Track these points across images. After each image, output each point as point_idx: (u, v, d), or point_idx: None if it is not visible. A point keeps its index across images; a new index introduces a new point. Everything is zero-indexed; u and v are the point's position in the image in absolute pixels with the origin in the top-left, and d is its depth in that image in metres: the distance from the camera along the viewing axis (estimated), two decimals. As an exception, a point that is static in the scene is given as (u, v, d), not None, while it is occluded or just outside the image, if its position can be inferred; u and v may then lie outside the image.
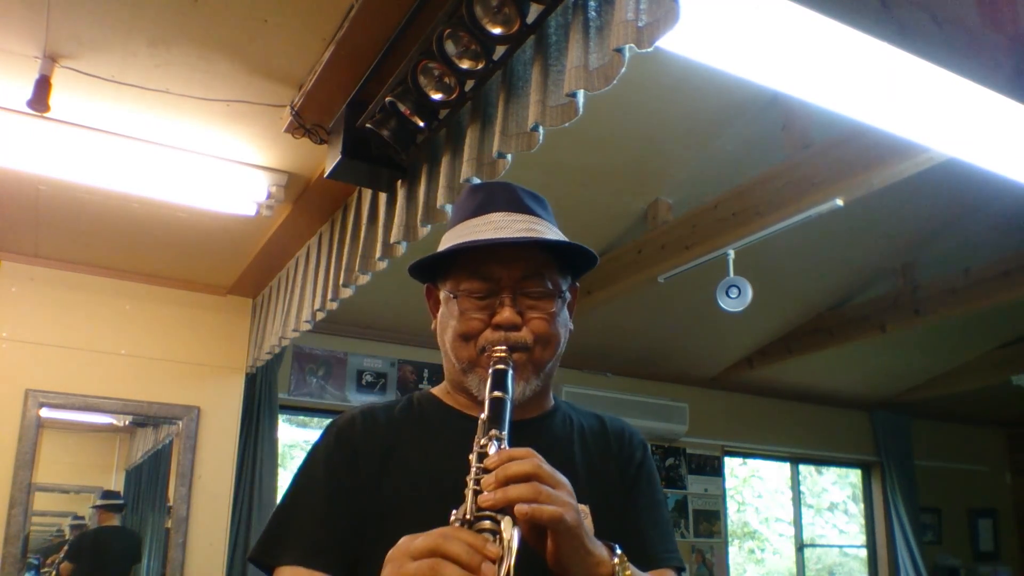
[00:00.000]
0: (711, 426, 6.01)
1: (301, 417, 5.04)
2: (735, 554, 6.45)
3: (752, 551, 6.92)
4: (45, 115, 2.57)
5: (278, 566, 1.03)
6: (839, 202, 3.11)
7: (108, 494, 4.20)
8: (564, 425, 1.19)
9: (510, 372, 1.02)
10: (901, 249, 4.77)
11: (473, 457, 0.89)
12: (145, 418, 4.15)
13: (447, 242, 1.13)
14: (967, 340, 5.93)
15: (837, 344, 5.24)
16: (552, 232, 1.13)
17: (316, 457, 1.12)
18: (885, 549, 6.77)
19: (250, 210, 3.11)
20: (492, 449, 0.90)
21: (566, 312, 1.16)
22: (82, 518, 4.15)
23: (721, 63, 1.92)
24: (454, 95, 2.09)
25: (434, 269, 1.17)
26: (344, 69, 2.33)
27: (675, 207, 3.95)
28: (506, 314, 1.07)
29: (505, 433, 0.93)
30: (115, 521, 4.17)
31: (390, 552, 0.82)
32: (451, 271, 1.12)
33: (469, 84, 2.07)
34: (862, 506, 7.06)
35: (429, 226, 2.42)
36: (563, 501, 0.85)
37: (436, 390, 1.22)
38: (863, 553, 6.94)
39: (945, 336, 5.71)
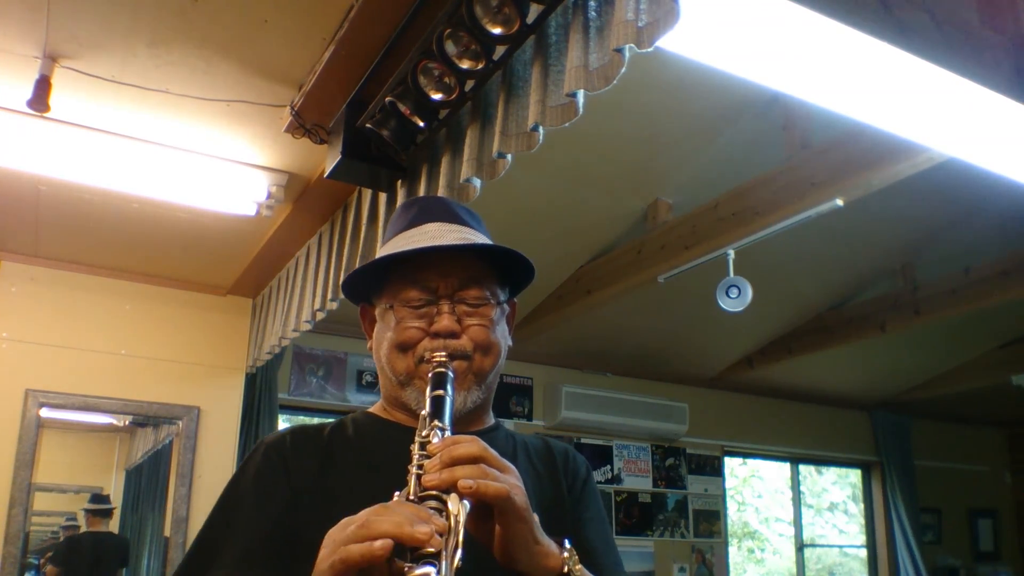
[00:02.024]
0: (711, 426, 6.01)
1: (301, 417, 5.04)
2: (735, 554, 6.45)
3: (752, 551, 6.92)
4: (45, 115, 2.57)
5: None
6: (839, 202, 3.11)
7: (97, 498, 4.18)
8: (507, 441, 1.17)
9: (450, 374, 1.00)
10: (901, 249, 4.77)
11: (415, 447, 0.86)
12: (145, 418, 4.15)
13: (383, 253, 1.11)
14: (967, 340, 5.93)
15: (837, 344, 5.24)
16: (487, 242, 1.13)
17: (245, 475, 1.06)
18: (885, 549, 6.77)
19: (250, 210, 3.11)
20: (436, 439, 0.86)
21: (505, 325, 1.15)
22: (75, 517, 4.14)
23: (721, 63, 1.92)
24: (454, 95, 2.09)
25: (368, 288, 1.15)
26: (344, 69, 2.33)
27: (675, 207, 3.95)
28: (444, 322, 1.05)
29: (447, 423, 0.90)
30: (103, 527, 4.15)
31: (328, 532, 0.78)
32: (386, 284, 1.11)
33: (469, 84, 2.07)
34: (862, 506, 7.06)
35: (429, 226, 2.42)
36: (510, 482, 0.82)
37: (373, 409, 1.18)
38: (863, 553, 6.94)
39: (945, 336, 5.71)
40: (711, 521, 5.93)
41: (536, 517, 0.99)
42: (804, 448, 6.60)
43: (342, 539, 0.74)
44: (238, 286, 4.19)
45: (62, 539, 4.09)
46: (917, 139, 2.31)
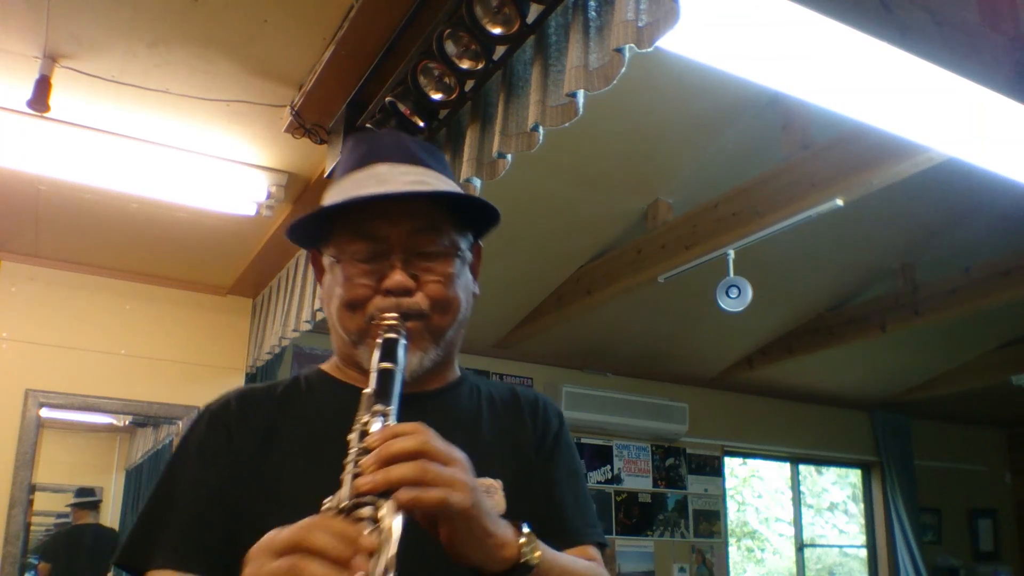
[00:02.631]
0: (711, 426, 6.01)
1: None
2: (735, 554, 6.45)
3: (752, 551, 6.92)
4: (45, 115, 2.57)
5: (148, 569, 0.91)
6: (839, 202, 3.11)
7: (82, 491, 4.18)
8: (471, 396, 1.08)
9: (401, 341, 0.90)
10: (901, 249, 4.77)
11: (354, 436, 0.79)
12: (145, 418, 4.15)
13: (328, 199, 1.00)
14: (967, 340, 5.92)
15: (837, 344, 5.24)
16: (446, 185, 1.00)
17: (188, 446, 0.99)
18: (885, 549, 6.77)
19: (250, 210, 3.11)
20: (375, 426, 0.79)
21: (468, 274, 1.04)
22: (68, 516, 4.15)
23: (721, 63, 1.92)
24: (454, 95, 2.09)
25: (316, 233, 1.04)
26: (344, 69, 2.33)
27: (675, 207, 3.95)
28: (396, 278, 0.95)
29: (392, 408, 0.82)
30: (92, 519, 4.15)
31: (252, 548, 0.71)
32: (333, 232, 1.00)
33: (469, 84, 2.08)
34: (862, 506, 7.06)
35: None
36: (453, 480, 0.75)
37: (326, 365, 1.09)
38: (863, 553, 6.94)
39: (945, 336, 5.71)
40: (711, 521, 5.93)
41: (499, 503, 0.95)
42: (804, 448, 6.60)
43: (267, 573, 0.68)
44: (238, 286, 4.19)
45: (52, 535, 4.09)
46: (917, 139, 2.32)
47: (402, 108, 2.16)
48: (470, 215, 1.03)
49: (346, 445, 0.78)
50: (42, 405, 3.79)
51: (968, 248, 4.59)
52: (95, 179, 2.93)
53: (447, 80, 2.05)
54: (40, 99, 2.38)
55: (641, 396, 5.54)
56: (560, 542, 0.96)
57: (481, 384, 1.12)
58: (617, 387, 5.53)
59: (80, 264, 3.96)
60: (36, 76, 2.40)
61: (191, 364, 4.15)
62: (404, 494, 0.72)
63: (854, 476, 7.18)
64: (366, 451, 0.76)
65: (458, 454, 0.79)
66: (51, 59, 2.41)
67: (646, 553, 5.54)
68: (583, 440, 5.45)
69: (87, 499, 4.16)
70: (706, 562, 5.81)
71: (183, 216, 3.35)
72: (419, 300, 0.96)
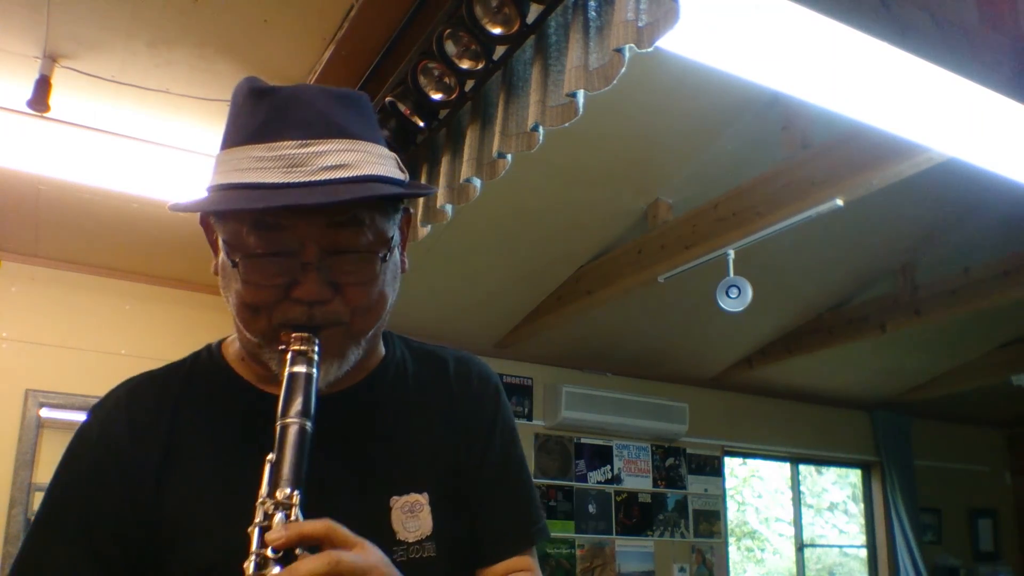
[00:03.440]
0: (711, 426, 6.01)
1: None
2: (735, 554, 6.45)
3: (752, 551, 6.92)
4: (45, 115, 2.57)
5: None
6: (839, 202, 3.11)
7: None
8: (395, 385, 0.94)
9: (315, 375, 0.76)
10: (901, 249, 4.77)
11: (254, 533, 0.69)
12: (145, 418, 4.15)
13: (218, 175, 0.81)
14: (967, 340, 5.92)
15: (837, 344, 5.24)
16: (374, 161, 0.80)
17: (74, 462, 0.86)
18: (885, 549, 6.77)
19: (250, 210, 3.11)
20: (278, 518, 0.69)
21: (396, 260, 0.87)
22: None
23: (721, 63, 1.92)
24: (454, 95, 2.09)
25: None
26: (344, 69, 2.33)
27: (675, 207, 3.95)
28: (311, 288, 0.77)
29: (297, 496, 0.70)
30: None
31: None
32: (225, 216, 0.81)
33: (469, 84, 2.08)
34: (862, 506, 7.06)
35: (429, 226, 2.42)
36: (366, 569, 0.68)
37: (229, 353, 0.93)
38: (863, 553, 6.94)
39: (945, 336, 5.71)
40: (711, 521, 5.93)
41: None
42: (804, 448, 6.60)
43: None
44: (238, 286, 4.18)
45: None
46: (917, 139, 2.32)
47: (402, 108, 2.16)
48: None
49: (251, 464, 0.71)
50: (42, 405, 3.79)
51: (968, 248, 4.59)
52: (95, 179, 2.93)
53: (447, 80, 2.05)
54: (40, 99, 2.38)
55: (641, 396, 5.54)
56: (493, 554, 0.92)
57: (409, 359, 0.97)
58: (617, 387, 5.53)
59: (80, 264, 3.96)
60: (36, 76, 2.40)
61: (191, 364, 4.14)
62: None
63: (854, 476, 7.18)
64: (266, 545, 0.67)
65: (366, 557, 0.70)
66: (51, 59, 2.41)
67: (646, 553, 5.54)
68: (583, 440, 5.45)
69: None
70: (706, 562, 5.81)
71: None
72: (337, 308, 0.80)
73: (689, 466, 5.91)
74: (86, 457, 0.85)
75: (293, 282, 0.78)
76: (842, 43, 1.86)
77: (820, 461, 6.93)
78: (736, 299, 3.69)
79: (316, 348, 0.78)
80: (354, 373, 0.88)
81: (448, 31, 1.89)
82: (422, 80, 2.06)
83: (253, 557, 0.67)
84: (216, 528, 0.72)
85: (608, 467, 5.53)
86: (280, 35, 2.29)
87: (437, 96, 2.09)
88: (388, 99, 2.15)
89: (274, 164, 0.76)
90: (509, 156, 2.01)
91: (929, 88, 2.03)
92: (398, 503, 0.81)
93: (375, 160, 0.80)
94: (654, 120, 3.32)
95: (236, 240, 0.80)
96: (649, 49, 1.55)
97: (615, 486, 5.52)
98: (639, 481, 5.65)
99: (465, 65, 1.96)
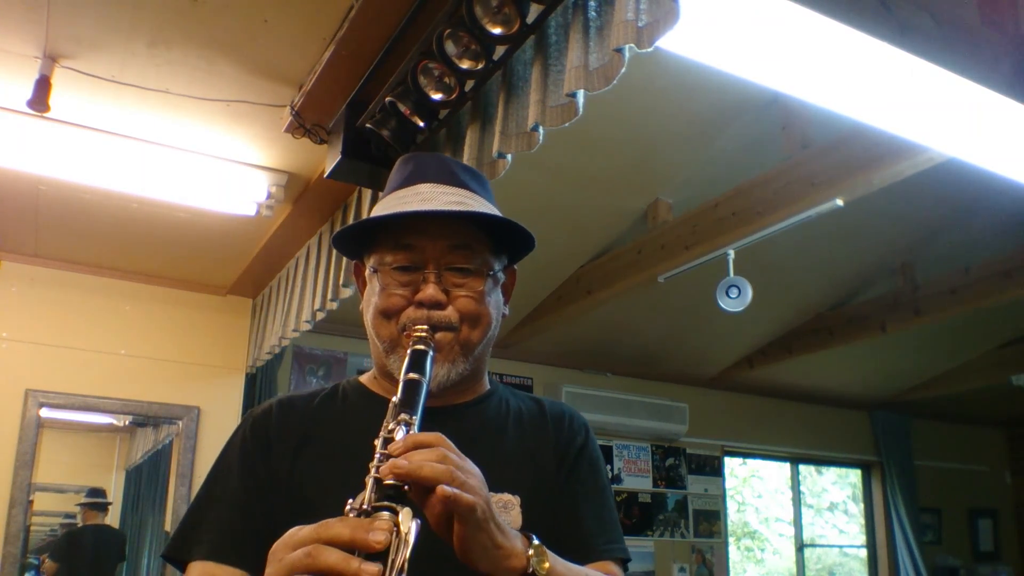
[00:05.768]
0: (711, 426, 6.01)
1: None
2: (735, 554, 6.45)
3: (752, 551, 6.92)
4: (45, 115, 2.57)
5: (190, 561, 0.98)
6: (839, 202, 3.11)
7: (93, 492, 4.18)
8: (499, 409, 1.12)
9: (430, 354, 0.95)
10: (901, 249, 4.77)
11: (378, 442, 0.82)
12: (145, 418, 4.15)
13: (373, 214, 1.07)
14: (967, 340, 5.93)
15: (837, 344, 5.24)
16: (485, 207, 1.06)
17: (231, 449, 1.07)
18: (885, 549, 6.77)
19: (250, 210, 3.11)
20: (399, 434, 0.83)
21: (499, 294, 1.09)
22: (74, 516, 4.14)
23: (721, 63, 1.92)
24: (454, 95, 2.09)
25: (361, 245, 1.10)
26: (344, 69, 2.33)
27: (675, 207, 3.95)
28: (429, 291, 1.00)
29: (416, 417, 0.85)
30: (100, 520, 4.15)
31: (274, 545, 0.76)
32: (375, 245, 1.06)
33: (469, 84, 2.08)
34: (862, 506, 7.06)
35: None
36: (468, 484, 0.79)
37: (364, 377, 1.15)
38: (863, 553, 6.94)
39: (945, 336, 5.71)
40: (711, 521, 5.93)
41: (515, 519, 0.97)
42: (804, 448, 6.60)
43: (286, 565, 0.72)
44: (238, 286, 4.19)
45: (58, 535, 4.09)
46: (917, 139, 2.32)
47: (402, 108, 2.16)
48: (506, 239, 1.08)
49: (371, 451, 0.82)
50: (42, 405, 3.79)
51: (968, 248, 4.59)
52: (95, 179, 2.93)
53: (447, 80, 2.05)
54: (40, 99, 2.38)
55: (641, 396, 5.54)
56: (580, 557, 0.98)
57: (511, 398, 1.16)
58: (617, 387, 5.53)
59: (80, 264, 3.96)
60: (36, 76, 2.40)
61: (191, 364, 4.15)
62: (446, 490, 0.75)
63: (854, 476, 7.19)
64: (389, 456, 0.79)
65: (473, 467, 0.82)
66: (51, 59, 2.41)
67: (646, 553, 5.54)
68: (583, 440, 5.44)
69: (97, 500, 4.16)
70: (706, 562, 5.81)
71: (183, 216, 3.35)
72: (449, 314, 1.02)
73: (689, 466, 5.91)
74: (242, 438, 1.07)
75: (417, 291, 1.01)
76: (842, 43, 1.86)
77: (820, 461, 6.93)
78: (736, 299, 3.69)
79: (432, 345, 0.96)
80: (463, 393, 1.09)
81: (448, 31, 1.89)
82: (422, 80, 2.05)
83: (377, 458, 0.79)
84: (341, 492, 0.82)
85: (608, 467, 5.53)
86: (280, 35, 2.29)
87: (437, 96, 2.09)
88: (388, 99, 2.15)
89: (412, 199, 1.03)
90: (509, 156, 2.01)
91: (929, 88, 2.03)
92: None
93: (487, 208, 1.06)
94: (654, 120, 3.33)
95: (379, 261, 1.05)
96: (649, 49, 1.55)
97: (615, 486, 5.52)
98: (639, 481, 5.65)
99: (465, 65, 1.96)
